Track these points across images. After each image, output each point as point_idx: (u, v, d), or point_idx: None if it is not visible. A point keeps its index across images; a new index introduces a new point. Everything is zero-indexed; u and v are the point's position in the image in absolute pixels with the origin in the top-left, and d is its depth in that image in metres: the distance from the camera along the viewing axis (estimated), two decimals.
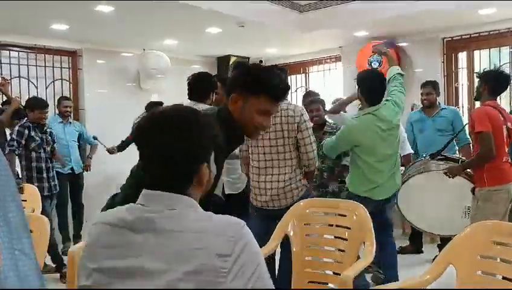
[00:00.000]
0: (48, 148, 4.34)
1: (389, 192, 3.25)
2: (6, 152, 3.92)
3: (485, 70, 3.60)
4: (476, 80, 3.62)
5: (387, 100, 3.19)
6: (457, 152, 4.44)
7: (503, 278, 1.93)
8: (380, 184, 3.16)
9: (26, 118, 4.21)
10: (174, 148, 1.08)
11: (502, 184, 3.13)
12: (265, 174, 2.98)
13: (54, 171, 4.45)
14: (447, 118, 4.42)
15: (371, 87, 3.18)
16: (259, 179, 3.01)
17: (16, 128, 4.10)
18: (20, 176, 4.16)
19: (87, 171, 5.23)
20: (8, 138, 4.15)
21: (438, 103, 4.53)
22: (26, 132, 4.10)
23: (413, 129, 4.59)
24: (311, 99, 4.07)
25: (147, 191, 1.11)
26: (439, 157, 3.85)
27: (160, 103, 5.09)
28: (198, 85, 3.46)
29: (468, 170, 3.49)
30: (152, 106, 5.04)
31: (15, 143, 4.03)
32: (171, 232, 1.03)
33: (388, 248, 3.32)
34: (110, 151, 5.17)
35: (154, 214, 1.06)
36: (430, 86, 4.52)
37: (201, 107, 2.91)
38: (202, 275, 0.98)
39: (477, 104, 4.19)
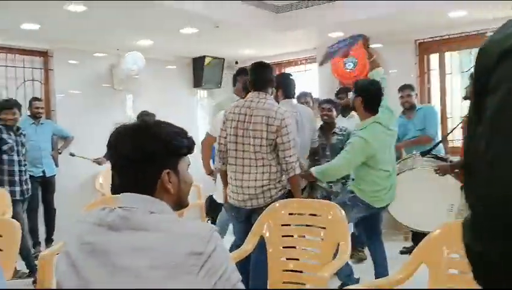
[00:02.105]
0: (23, 151, 4.23)
1: (391, 197, 3.31)
2: None
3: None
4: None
5: (381, 106, 3.22)
6: (443, 150, 4.57)
7: None
8: (387, 188, 3.22)
9: None
10: (129, 156, 1.17)
11: None
12: (242, 172, 2.93)
13: (27, 175, 4.33)
14: (421, 117, 4.58)
15: (374, 96, 3.18)
16: (236, 177, 2.96)
17: None
18: None
19: (56, 166, 5.12)
20: None
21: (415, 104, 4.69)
22: None
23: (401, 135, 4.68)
24: (326, 99, 4.29)
25: (125, 193, 1.18)
26: (428, 155, 3.97)
27: (149, 114, 5.02)
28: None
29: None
30: (144, 115, 5.00)
31: None
32: (147, 231, 1.10)
33: (378, 246, 3.39)
34: (99, 162, 5.17)
35: (131, 214, 1.13)
36: (409, 89, 4.68)
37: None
38: (175, 272, 1.04)
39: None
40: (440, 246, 2.02)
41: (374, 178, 3.16)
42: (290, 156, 2.88)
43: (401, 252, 4.49)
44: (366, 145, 3.06)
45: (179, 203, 1.24)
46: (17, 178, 4.14)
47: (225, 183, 3.17)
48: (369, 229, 3.45)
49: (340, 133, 4.00)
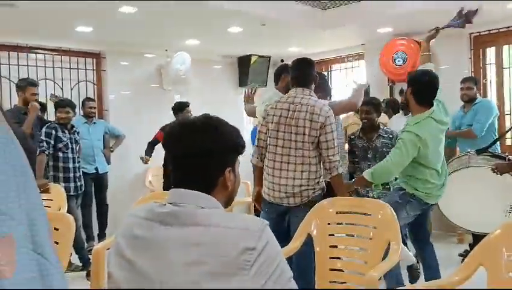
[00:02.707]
0: (76, 148, 4.40)
1: (441, 194, 3.14)
2: (37, 153, 3.99)
3: None
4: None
5: (438, 100, 3.06)
6: (498, 148, 4.38)
7: None
8: (440, 185, 3.06)
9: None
10: (198, 152, 1.17)
11: None
12: (280, 169, 2.87)
13: (81, 171, 4.51)
14: (473, 112, 4.43)
15: (426, 87, 3.00)
16: (274, 174, 2.90)
17: (43, 129, 4.15)
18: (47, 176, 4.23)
19: (108, 163, 5.28)
20: None
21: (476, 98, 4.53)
22: (53, 132, 4.15)
23: (455, 128, 4.58)
24: (366, 100, 3.88)
25: (175, 189, 1.18)
26: (485, 153, 3.79)
27: (186, 104, 5.14)
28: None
29: None
30: (178, 106, 5.13)
31: (44, 144, 4.07)
32: (198, 226, 1.09)
33: (427, 248, 3.23)
34: (144, 161, 5.20)
35: (182, 209, 1.13)
36: (471, 81, 4.54)
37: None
38: (227, 267, 1.03)
39: None
40: (500, 247, 1.91)
41: (427, 177, 2.99)
42: (334, 155, 2.81)
43: (460, 255, 4.31)
44: (419, 142, 2.87)
45: (229, 201, 1.25)
46: (71, 175, 4.31)
47: (258, 181, 3.11)
48: (416, 230, 3.28)
49: (386, 135, 3.79)
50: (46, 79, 5.25)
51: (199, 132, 1.19)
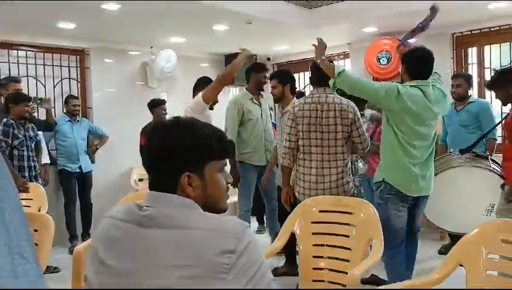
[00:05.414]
0: (32, 145, 4.18)
1: (425, 187, 3.01)
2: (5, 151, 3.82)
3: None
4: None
5: (437, 87, 3.02)
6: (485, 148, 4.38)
7: None
8: (417, 172, 2.93)
9: (7, 116, 4.02)
10: (156, 156, 1.16)
11: None
12: (316, 167, 3.02)
13: (37, 171, 4.27)
14: (471, 113, 4.31)
15: (417, 63, 2.96)
16: (311, 173, 3.03)
17: (0, 127, 3.93)
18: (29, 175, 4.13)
19: (92, 162, 5.21)
20: None
21: (469, 96, 4.43)
22: (11, 130, 3.96)
23: (444, 123, 4.54)
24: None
25: (150, 192, 1.16)
26: (468, 153, 3.80)
27: (162, 101, 5.15)
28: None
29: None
30: (152, 102, 5.17)
31: (3, 144, 3.90)
32: (176, 229, 1.07)
33: (409, 242, 3.09)
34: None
35: (159, 212, 1.10)
36: (461, 78, 4.44)
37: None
38: (205, 270, 1.01)
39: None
40: (478, 246, 1.94)
41: (402, 154, 2.89)
42: (365, 141, 3.03)
43: (440, 252, 4.35)
44: (396, 91, 2.82)
45: (209, 208, 1.17)
46: (26, 174, 4.06)
47: (287, 182, 3.19)
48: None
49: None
50: (28, 76, 5.17)
51: (159, 133, 1.17)
